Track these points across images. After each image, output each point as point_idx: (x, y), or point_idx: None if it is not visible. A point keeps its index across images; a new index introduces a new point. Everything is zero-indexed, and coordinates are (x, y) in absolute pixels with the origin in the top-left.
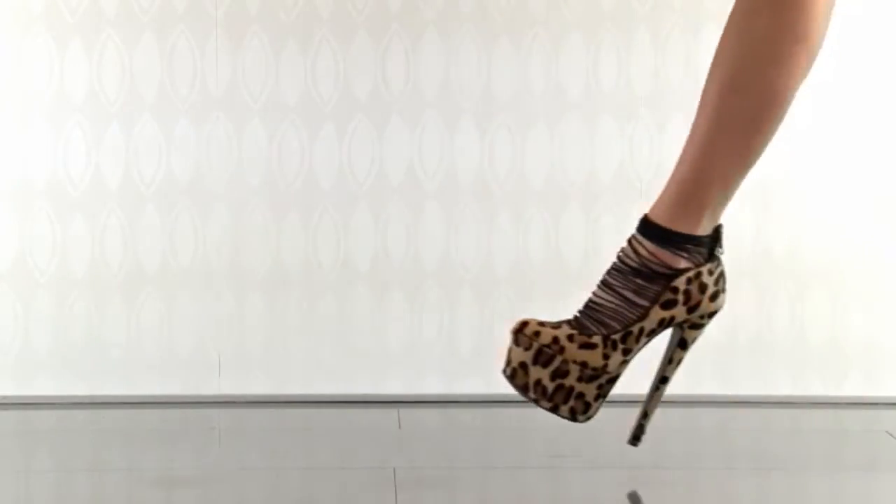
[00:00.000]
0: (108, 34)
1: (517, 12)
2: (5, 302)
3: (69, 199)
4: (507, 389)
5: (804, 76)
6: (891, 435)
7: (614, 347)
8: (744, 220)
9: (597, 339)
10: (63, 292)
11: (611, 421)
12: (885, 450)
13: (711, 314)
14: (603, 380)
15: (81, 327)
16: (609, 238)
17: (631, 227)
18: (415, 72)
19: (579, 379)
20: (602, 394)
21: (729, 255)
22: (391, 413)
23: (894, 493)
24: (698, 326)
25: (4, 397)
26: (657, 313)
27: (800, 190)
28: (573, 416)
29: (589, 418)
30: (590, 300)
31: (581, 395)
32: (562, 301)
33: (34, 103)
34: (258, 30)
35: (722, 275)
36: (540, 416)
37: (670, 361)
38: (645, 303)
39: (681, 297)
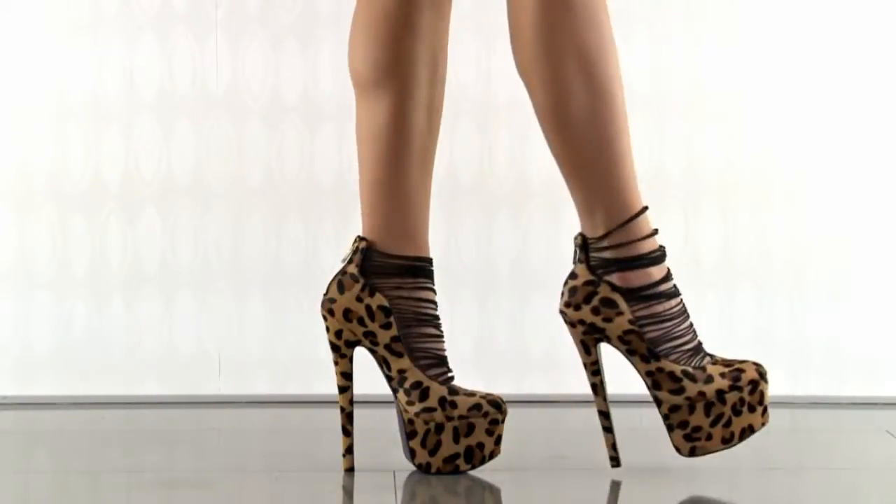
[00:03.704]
0: (109, 34)
1: None
2: (5, 302)
3: (69, 199)
4: (507, 389)
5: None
6: (891, 434)
7: None
8: (744, 219)
9: None
10: (63, 292)
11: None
12: (885, 450)
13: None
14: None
15: (81, 327)
16: None
17: None
18: None
19: None
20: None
21: (729, 255)
22: (391, 413)
23: (895, 493)
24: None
25: (4, 397)
26: None
27: (801, 190)
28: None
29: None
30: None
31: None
32: None
33: (34, 103)
34: (258, 30)
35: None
36: (540, 416)
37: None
38: None
39: None
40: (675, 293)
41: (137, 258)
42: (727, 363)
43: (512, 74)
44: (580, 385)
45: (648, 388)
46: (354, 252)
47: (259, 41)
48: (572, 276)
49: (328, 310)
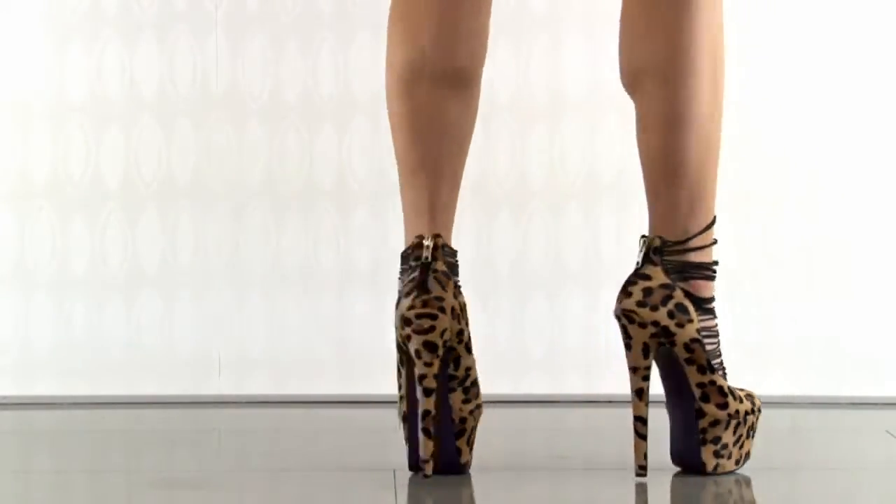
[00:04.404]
0: (108, 34)
1: (517, 13)
2: (5, 302)
3: (69, 199)
4: (506, 389)
5: (387, 73)
6: (891, 434)
7: (399, 389)
8: (744, 220)
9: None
10: (63, 292)
11: (611, 421)
12: (885, 450)
13: (404, 322)
14: (403, 423)
15: (81, 327)
16: (609, 238)
17: (631, 227)
18: None
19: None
20: (406, 436)
21: (730, 254)
22: (391, 413)
23: (894, 493)
24: (407, 339)
25: (4, 397)
26: (396, 342)
27: (801, 189)
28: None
29: (415, 467)
30: None
31: (415, 447)
32: (562, 301)
33: (34, 103)
34: (258, 30)
35: (409, 281)
36: (540, 416)
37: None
38: None
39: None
40: (715, 313)
41: (137, 258)
42: (737, 388)
43: (512, 74)
44: (580, 385)
45: (695, 399)
46: (436, 249)
47: (259, 41)
48: (644, 277)
49: (439, 308)
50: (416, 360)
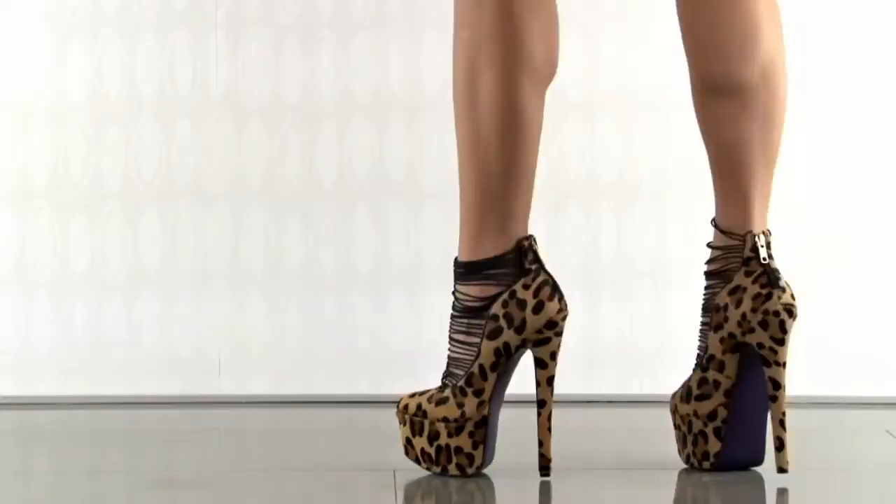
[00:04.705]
0: (108, 34)
1: None
2: (5, 302)
3: (69, 199)
4: (507, 389)
5: (496, 75)
6: (891, 434)
7: (464, 394)
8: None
9: (447, 392)
10: (63, 292)
11: (611, 421)
12: (885, 450)
13: (548, 325)
14: (470, 427)
15: (81, 327)
16: (609, 238)
17: (631, 227)
18: (415, 72)
19: (449, 435)
20: (478, 440)
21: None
22: (391, 413)
23: (894, 493)
24: (544, 342)
25: (4, 397)
26: (488, 346)
27: (800, 189)
28: (463, 472)
29: (481, 467)
30: (447, 356)
31: (459, 450)
32: None
33: (34, 103)
34: (258, 30)
35: (544, 284)
36: None
37: (538, 384)
38: (475, 340)
39: (503, 323)
40: None
41: (137, 258)
42: None
43: None
44: (581, 385)
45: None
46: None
47: (259, 41)
48: (776, 270)
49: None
50: (550, 363)
